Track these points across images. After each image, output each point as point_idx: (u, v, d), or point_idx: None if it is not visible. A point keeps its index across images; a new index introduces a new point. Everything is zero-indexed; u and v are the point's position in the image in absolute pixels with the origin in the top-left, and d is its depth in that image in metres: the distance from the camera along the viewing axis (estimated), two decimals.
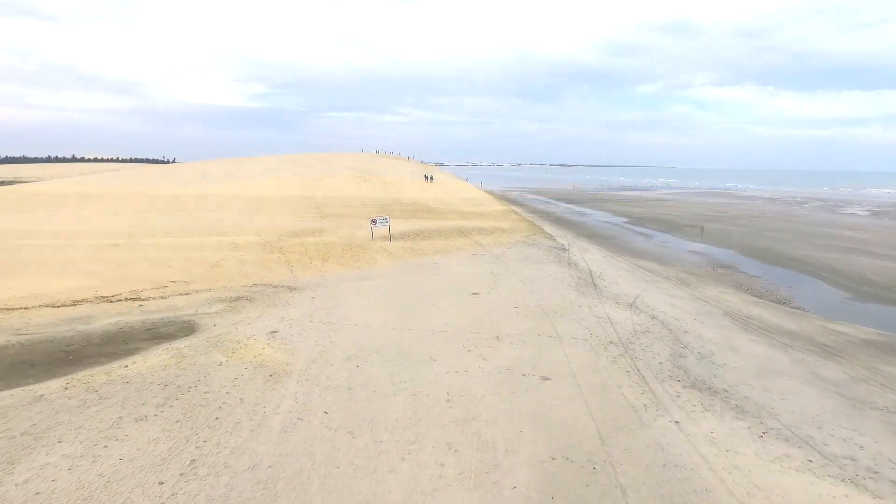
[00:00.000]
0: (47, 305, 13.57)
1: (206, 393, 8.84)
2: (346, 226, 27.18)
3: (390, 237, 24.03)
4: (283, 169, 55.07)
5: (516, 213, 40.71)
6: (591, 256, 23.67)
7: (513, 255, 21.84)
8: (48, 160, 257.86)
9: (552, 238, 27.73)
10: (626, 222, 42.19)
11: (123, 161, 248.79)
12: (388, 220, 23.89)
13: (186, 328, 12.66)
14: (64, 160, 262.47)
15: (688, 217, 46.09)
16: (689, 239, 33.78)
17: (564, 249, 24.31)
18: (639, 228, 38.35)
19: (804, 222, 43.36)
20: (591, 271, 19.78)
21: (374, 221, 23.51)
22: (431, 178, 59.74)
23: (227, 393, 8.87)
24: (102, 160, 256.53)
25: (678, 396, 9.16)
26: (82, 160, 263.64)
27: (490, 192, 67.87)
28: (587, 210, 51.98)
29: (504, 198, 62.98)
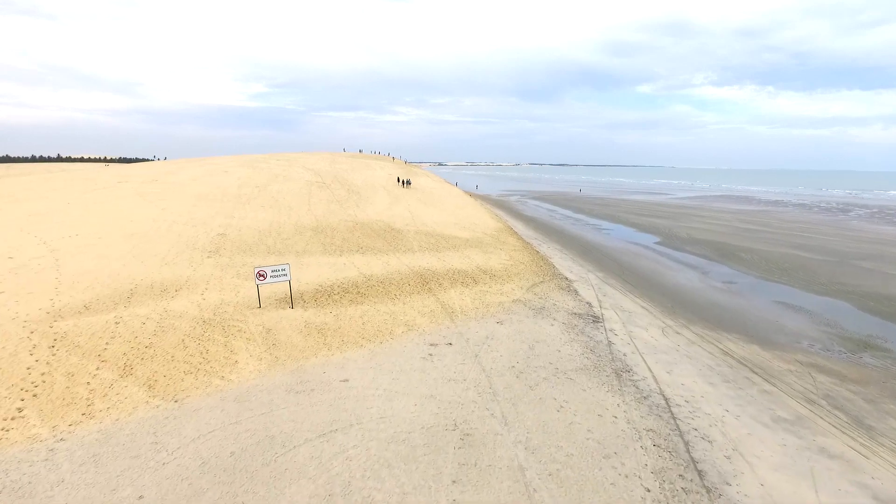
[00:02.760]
0: None
1: None
2: (237, 272, 16.86)
3: (292, 301, 13.71)
4: (230, 173, 44.65)
5: (514, 233, 30.39)
6: (645, 335, 13.44)
7: (505, 345, 11.62)
8: (32, 160, 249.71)
9: (571, 287, 17.50)
10: (658, 244, 31.99)
11: (112, 161, 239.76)
12: (286, 271, 13.50)
13: None
14: (49, 160, 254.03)
15: (726, 233, 35.91)
16: (758, 274, 23.57)
17: (597, 320, 14.06)
18: (681, 255, 28.12)
19: (883, 242, 33.19)
20: (666, 399, 9.57)
21: (261, 276, 13.12)
22: (408, 182, 48.61)
23: None
24: (90, 160, 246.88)
25: None
26: (68, 160, 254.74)
27: (484, 199, 57.46)
28: (604, 224, 41.69)
29: (500, 205, 52.63)
